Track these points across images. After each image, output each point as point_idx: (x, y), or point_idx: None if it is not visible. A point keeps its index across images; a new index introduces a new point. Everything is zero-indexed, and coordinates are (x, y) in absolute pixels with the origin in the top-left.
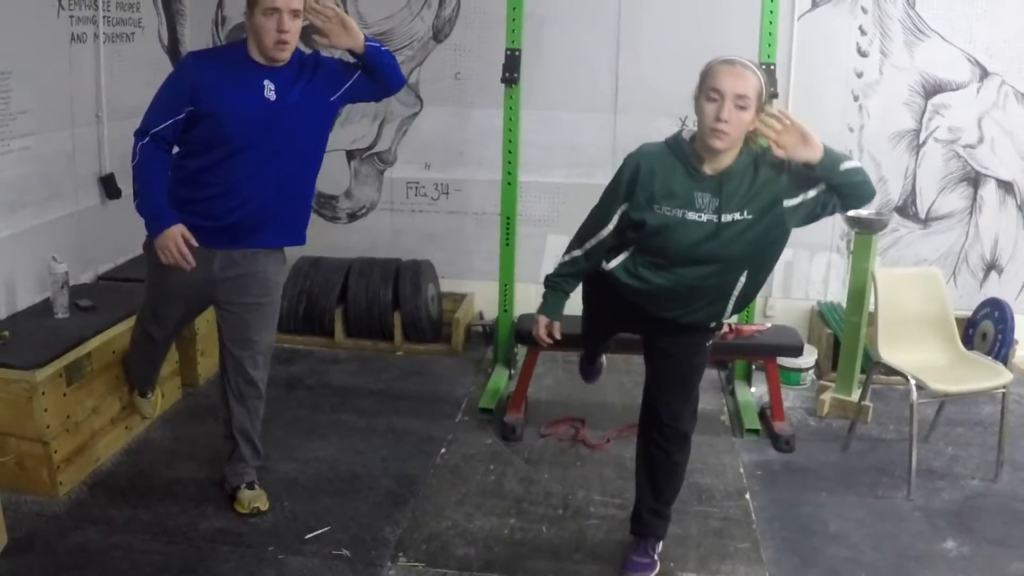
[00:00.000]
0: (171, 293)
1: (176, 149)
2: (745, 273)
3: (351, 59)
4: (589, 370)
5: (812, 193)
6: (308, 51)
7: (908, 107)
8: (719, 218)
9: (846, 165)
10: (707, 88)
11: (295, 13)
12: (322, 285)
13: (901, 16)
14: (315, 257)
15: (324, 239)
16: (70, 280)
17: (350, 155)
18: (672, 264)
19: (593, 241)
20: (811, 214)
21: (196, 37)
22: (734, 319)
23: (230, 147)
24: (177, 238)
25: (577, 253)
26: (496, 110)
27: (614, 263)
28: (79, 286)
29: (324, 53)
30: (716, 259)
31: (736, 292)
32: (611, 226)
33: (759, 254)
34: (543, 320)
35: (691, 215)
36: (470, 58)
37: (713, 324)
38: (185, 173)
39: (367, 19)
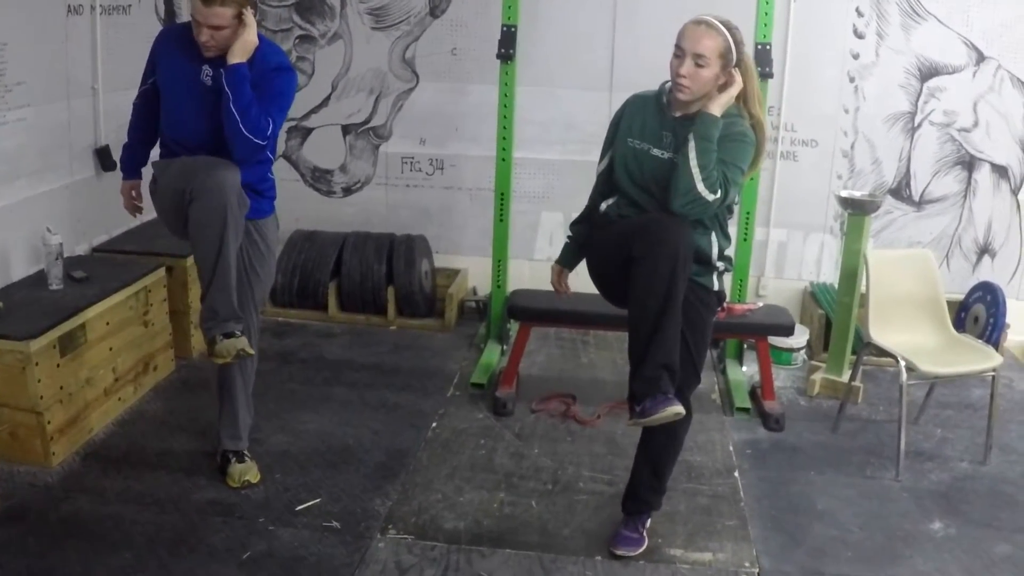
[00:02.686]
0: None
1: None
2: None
3: None
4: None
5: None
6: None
7: (904, 90)
8: (675, 156)
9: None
10: (676, 44)
11: (216, 28)
12: (316, 259)
13: None
14: (309, 231)
15: (319, 213)
16: (64, 251)
17: (345, 130)
18: (639, 202)
19: (595, 187)
20: None
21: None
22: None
23: (168, 118)
24: (126, 192)
25: (590, 204)
26: (492, 86)
27: (604, 206)
28: (73, 257)
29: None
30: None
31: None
32: (602, 165)
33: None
34: (555, 268)
35: (655, 151)
36: (467, 34)
37: (711, 284)
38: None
39: None
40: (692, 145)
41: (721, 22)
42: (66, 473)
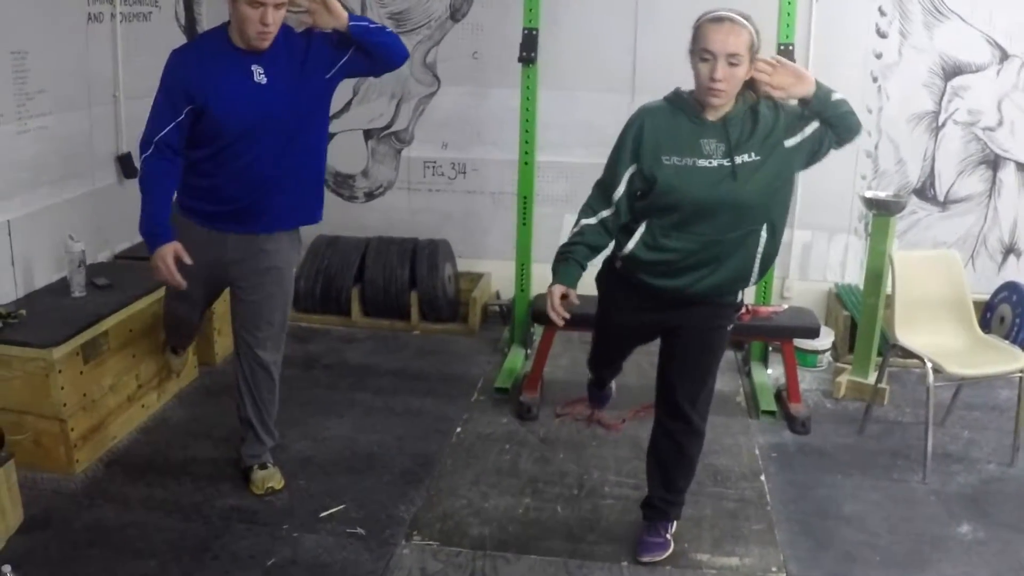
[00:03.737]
0: (188, 275)
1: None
2: (764, 227)
3: None
4: (599, 396)
5: (809, 130)
6: (300, 28)
7: (927, 89)
8: (732, 160)
9: (835, 96)
10: (699, 48)
11: (278, 5)
12: (339, 264)
13: None
14: (332, 236)
15: (341, 218)
16: (87, 259)
17: (367, 134)
18: (690, 221)
19: (606, 210)
20: (812, 152)
21: (213, 16)
22: (751, 300)
23: (229, 136)
24: (168, 258)
25: (590, 221)
26: (514, 90)
27: (631, 245)
28: (96, 265)
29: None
30: (733, 205)
31: (760, 249)
32: (621, 188)
33: (772, 198)
34: (558, 289)
35: (701, 162)
36: (488, 37)
37: (738, 297)
38: (190, 162)
39: None
40: (835, 98)
41: (737, 14)
42: (89, 480)
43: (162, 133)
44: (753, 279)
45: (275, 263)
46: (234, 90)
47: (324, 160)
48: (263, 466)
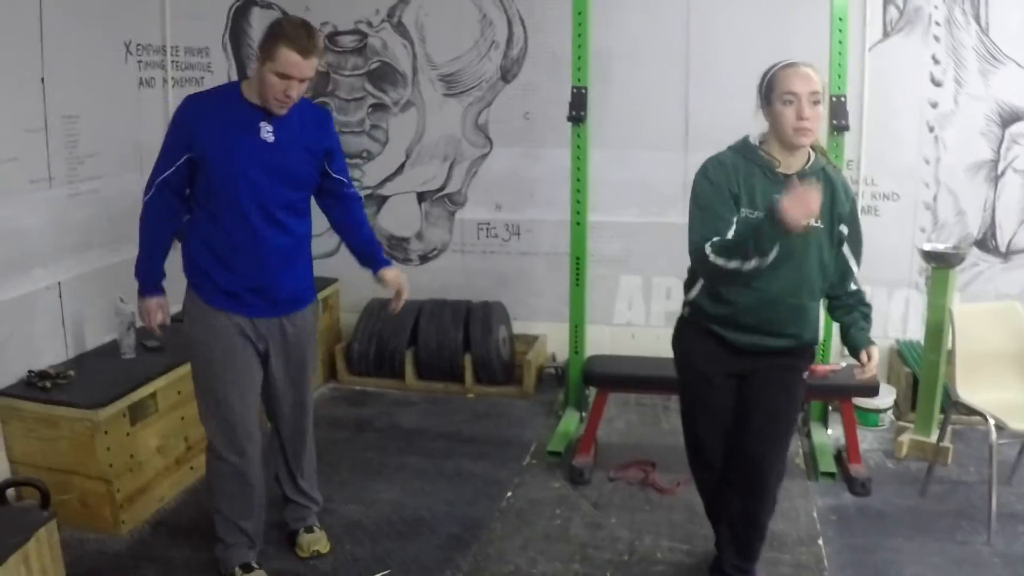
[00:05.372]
0: (221, 345)
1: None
2: (815, 300)
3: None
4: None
5: (846, 230)
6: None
7: (985, 137)
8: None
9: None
10: (780, 93)
11: (303, 80)
12: (393, 327)
13: (975, 43)
14: (386, 299)
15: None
16: (137, 321)
17: (420, 197)
18: (751, 277)
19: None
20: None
21: None
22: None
23: (234, 191)
24: (153, 311)
25: (715, 239)
26: (566, 149)
27: (693, 293)
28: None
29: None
30: (791, 263)
31: (811, 310)
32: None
33: (822, 268)
34: None
35: None
36: (539, 97)
37: (807, 343)
38: (201, 234)
39: (435, 60)
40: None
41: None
42: (135, 542)
43: (165, 174)
44: (811, 332)
45: (305, 342)
46: (240, 141)
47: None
48: (309, 529)
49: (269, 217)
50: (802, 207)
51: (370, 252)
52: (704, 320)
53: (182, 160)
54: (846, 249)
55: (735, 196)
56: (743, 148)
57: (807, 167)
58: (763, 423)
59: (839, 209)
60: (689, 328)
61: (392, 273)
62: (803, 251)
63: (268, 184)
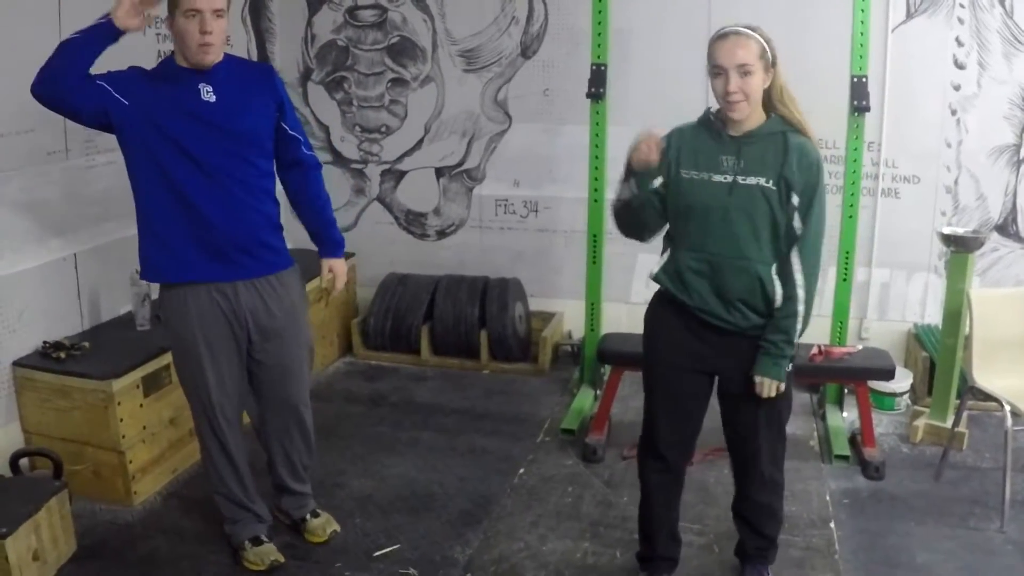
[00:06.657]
0: (197, 334)
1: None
2: (766, 265)
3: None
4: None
5: (796, 202)
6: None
7: (1008, 121)
8: (735, 178)
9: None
10: (711, 65)
11: (218, 12)
12: (409, 302)
13: (999, 26)
14: (403, 274)
15: (412, 256)
16: (152, 293)
17: (439, 172)
18: (695, 237)
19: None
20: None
21: (286, 55)
22: (825, 340)
23: (179, 152)
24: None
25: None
26: (586, 126)
27: (657, 269)
28: None
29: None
30: (715, 216)
31: (770, 289)
32: (657, 183)
33: (766, 227)
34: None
35: (716, 177)
36: (558, 74)
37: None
38: (148, 205)
39: (455, 35)
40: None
41: (743, 26)
42: (146, 512)
43: (107, 79)
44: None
45: (289, 315)
46: (180, 104)
47: (274, 200)
48: (315, 514)
49: (217, 176)
50: (641, 148)
51: (325, 233)
52: (664, 282)
53: (113, 93)
54: (795, 253)
55: (671, 159)
56: (703, 116)
57: (756, 130)
58: (748, 433)
59: (788, 175)
60: (658, 307)
61: (338, 265)
62: (725, 203)
63: (217, 141)
